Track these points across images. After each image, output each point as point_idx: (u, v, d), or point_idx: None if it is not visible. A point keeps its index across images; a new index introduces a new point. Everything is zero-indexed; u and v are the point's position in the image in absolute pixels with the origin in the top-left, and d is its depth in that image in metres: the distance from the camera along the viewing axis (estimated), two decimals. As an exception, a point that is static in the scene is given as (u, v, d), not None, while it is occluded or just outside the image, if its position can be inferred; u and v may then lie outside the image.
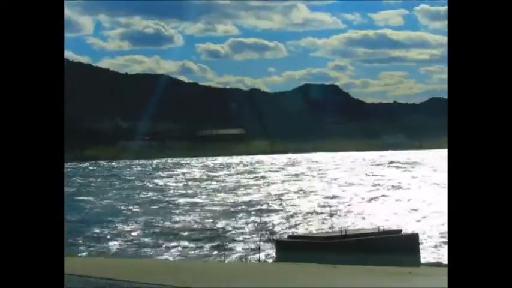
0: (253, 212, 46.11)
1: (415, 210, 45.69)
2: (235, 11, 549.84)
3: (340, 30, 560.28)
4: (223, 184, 75.21)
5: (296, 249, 22.25)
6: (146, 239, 35.68)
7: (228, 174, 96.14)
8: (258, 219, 41.54)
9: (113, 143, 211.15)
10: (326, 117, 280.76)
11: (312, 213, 44.46)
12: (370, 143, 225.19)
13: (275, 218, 42.78)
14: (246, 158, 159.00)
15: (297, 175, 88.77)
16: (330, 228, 32.40)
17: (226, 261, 25.42)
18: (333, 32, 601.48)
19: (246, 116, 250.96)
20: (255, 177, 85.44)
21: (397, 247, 22.88)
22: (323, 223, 39.20)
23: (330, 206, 47.57)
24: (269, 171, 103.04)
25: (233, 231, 37.55)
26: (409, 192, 59.43)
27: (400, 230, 25.85)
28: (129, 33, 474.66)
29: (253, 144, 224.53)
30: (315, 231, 31.64)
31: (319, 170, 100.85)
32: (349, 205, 49.30)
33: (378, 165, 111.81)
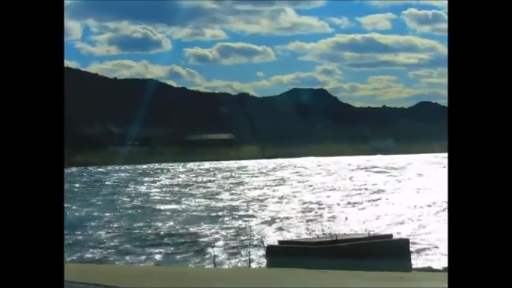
0: (236, 217, 46.13)
1: (398, 215, 45.74)
2: (223, 15, 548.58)
3: (328, 34, 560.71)
4: (208, 190, 75.05)
5: (286, 254, 22.28)
6: (128, 245, 35.58)
7: (214, 180, 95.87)
8: (242, 225, 41.64)
9: (103, 148, 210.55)
10: (315, 122, 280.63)
11: (293, 218, 44.44)
12: (359, 148, 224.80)
13: (257, 223, 42.80)
14: (234, 163, 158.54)
15: (283, 180, 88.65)
16: (311, 232, 32.40)
17: (215, 267, 25.65)
18: (321, 36, 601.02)
19: (235, 121, 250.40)
20: (240, 182, 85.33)
21: (387, 252, 22.97)
22: (307, 228, 39.28)
23: (312, 211, 47.62)
24: (255, 176, 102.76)
25: (216, 236, 37.55)
26: (392, 196, 59.42)
27: (391, 235, 25.77)
28: (117, 37, 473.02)
29: (243, 149, 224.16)
30: (304, 236, 31.53)
31: (306, 175, 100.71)
32: (330, 210, 49.28)
33: (365, 170, 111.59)
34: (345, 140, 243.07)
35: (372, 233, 25.26)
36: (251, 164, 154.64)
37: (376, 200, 57.04)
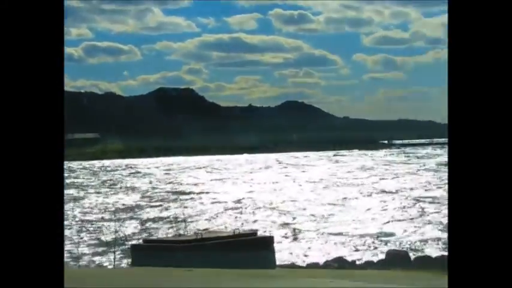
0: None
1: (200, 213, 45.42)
2: (89, 14, 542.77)
3: (195, 33, 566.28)
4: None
5: (151, 253, 22.00)
6: None
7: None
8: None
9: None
10: (182, 121, 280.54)
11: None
12: (225, 147, 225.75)
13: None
14: (87, 164, 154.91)
15: (115, 182, 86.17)
16: (176, 231, 32.45)
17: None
18: (188, 35, 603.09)
19: (101, 120, 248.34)
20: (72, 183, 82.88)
21: (253, 249, 23.07)
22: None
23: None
24: (89, 178, 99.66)
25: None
26: (209, 196, 59.11)
27: (256, 233, 25.97)
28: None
29: (108, 148, 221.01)
30: (169, 235, 31.46)
31: (143, 175, 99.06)
32: (135, 211, 48.11)
33: (205, 170, 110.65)
34: (212, 139, 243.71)
35: (237, 231, 25.30)
36: (108, 163, 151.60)
37: (185, 200, 56.46)
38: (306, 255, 29.77)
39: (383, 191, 55.27)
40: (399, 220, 39.16)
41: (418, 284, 18.05)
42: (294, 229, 37.38)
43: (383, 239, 33.22)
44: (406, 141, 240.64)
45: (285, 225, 38.96)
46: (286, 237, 34.57)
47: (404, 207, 44.97)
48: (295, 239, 34.50)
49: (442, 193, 52.64)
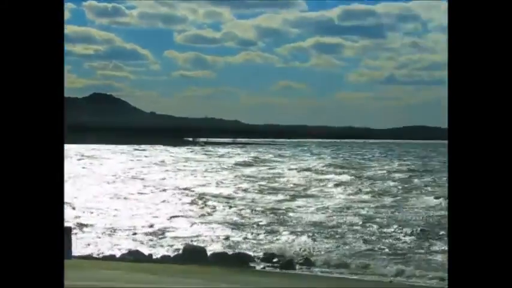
0: None
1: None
2: None
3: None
4: None
5: None
6: None
7: None
8: None
9: None
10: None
11: None
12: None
13: None
14: None
15: None
16: None
17: None
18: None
19: None
20: None
21: None
22: None
23: None
24: None
25: None
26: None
27: None
28: None
29: None
30: None
31: None
32: None
33: None
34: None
35: None
36: None
37: None
38: (96, 247, 29.66)
39: (177, 187, 55.81)
40: (191, 216, 39.80)
41: (216, 278, 18.60)
42: (81, 223, 37.11)
43: (173, 234, 33.67)
44: (210, 140, 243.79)
45: (76, 217, 38.57)
46: (75, 229, 34.24)
47: (196, 203, 45.73)
48: (82, 231, 34.28)
49: (235, 191, 54.01)
